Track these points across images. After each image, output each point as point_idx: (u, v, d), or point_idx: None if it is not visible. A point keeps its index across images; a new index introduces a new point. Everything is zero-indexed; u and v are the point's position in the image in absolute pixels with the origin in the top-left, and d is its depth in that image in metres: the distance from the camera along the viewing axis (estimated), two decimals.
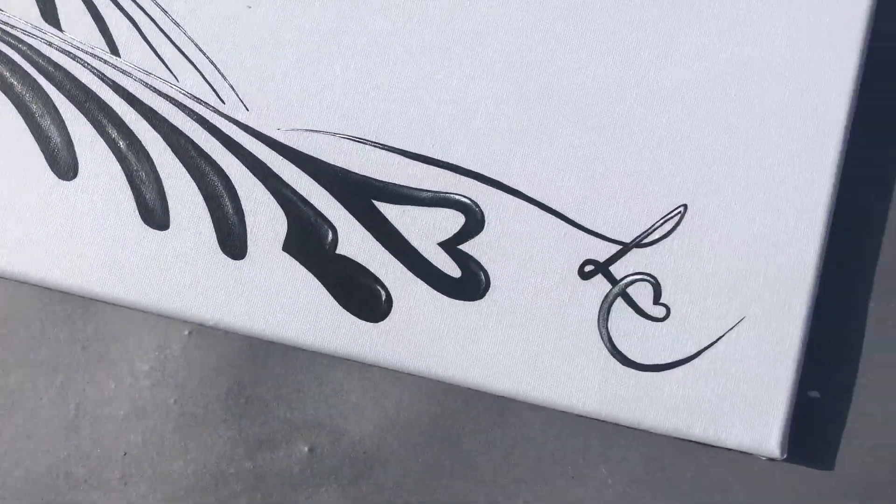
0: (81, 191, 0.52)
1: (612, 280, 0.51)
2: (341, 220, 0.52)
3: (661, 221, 0.51)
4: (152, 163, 0.53)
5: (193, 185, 0.52)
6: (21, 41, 0.53)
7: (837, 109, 0.52)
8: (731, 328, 0.50)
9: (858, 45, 0.52)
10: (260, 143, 0.52)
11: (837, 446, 0.54)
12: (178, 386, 0.57)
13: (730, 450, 0.51)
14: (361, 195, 0.52)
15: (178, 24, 0.53)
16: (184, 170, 0.52)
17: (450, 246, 0.52)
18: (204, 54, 0.53)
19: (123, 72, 0.53)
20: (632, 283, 0.51)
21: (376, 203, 0.52)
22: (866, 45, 0.52)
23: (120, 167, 0.52)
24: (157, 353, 0.57)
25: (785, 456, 0.49)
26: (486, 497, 0.55)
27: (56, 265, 0.51)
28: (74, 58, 0.53)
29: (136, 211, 0.52)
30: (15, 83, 0.53)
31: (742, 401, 0.50)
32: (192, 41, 0.53)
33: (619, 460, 0.56)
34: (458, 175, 0.52)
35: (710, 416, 0.50)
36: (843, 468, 0.55)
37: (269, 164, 0.52)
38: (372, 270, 0.52)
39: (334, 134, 0.52)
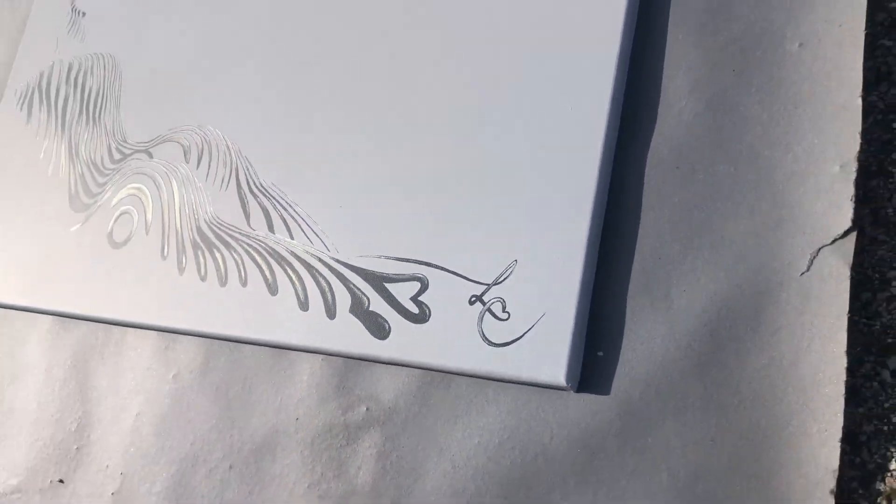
0: (279, 303, 1.28)
1: (483, 303, 1.12)
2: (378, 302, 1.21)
3: (507, 271, 1.12)
4: (303, 281, 1.27)
5: (329, 289, 1.26)
6: (234, 232, 1.33)
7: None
8: (534, 325, 1.08)
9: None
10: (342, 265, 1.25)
11: (613, 376, 1.06)
12: None
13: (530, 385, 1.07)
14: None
15: (296, 212, 1.29)
16: (314, 282, 1.26)
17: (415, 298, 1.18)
18: (312, 229, 1.28)
19: (284, 242, 1.30)
20: (493, 302, 1.12)
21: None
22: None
23: (292, 287, 1.28)
24: None
25: (571, 385, 1.04)
26: None
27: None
28: (260, 239, 1.31)
29: (296, 301, 1.26)
30: (249, 256, 1.33)
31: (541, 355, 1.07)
32: (307, 222, 1.29)
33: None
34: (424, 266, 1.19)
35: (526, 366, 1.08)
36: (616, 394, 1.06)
37: (350, 279, 1.24)
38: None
39: (378, 256, 1.23)
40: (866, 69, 1.04)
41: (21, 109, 1.96)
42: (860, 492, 0.92)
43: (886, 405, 0.93)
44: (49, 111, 1.90)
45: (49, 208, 1.79)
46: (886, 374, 0.95)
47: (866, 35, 1.05)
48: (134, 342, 1.58)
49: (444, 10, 1.38)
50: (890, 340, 0.95)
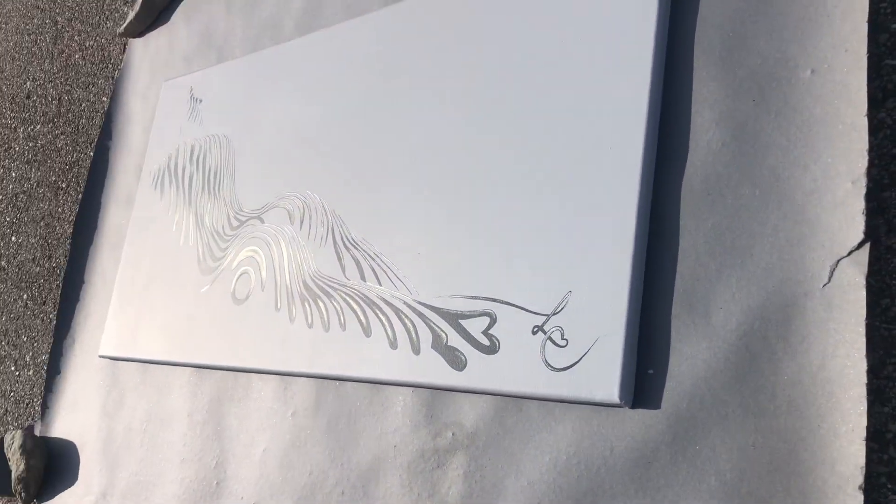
0: (373, 344, 1.46)
1: (544, 332, 1.25)
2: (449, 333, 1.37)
3: (563, 301, 1.24)
4: (391, 323, 1.44)
5: (414, 328, 1.43)
6: (333, 283, 1.52)
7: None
8: (589, 349, 1.20)
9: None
10: (423, 306, 1.41)
11: (662, 391, 1.16)
12: None
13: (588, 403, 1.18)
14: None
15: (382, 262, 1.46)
16: (400, 323, 1.43)
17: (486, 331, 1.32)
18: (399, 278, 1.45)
19: (373, 289, 1.47)
20: (553, 331, 1.25)
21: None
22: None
23: (383, 329, 1.45)
24: None
25: (625, 402, 1.15)
26: None
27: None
28: (354, 288, 1.49)
29: (387, 341, 1.43)
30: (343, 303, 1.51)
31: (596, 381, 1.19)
32: (392, 269, 1.46)
33: None
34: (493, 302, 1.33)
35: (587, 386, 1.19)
36: (667, 406, 1.15)
37: (430, 318, 1.40)
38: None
39: (452, 296, 1.38)
40: (873, 88, 1.10)
41: (155, 189, 2.26)
42: (889, 486, 0.97)
43: None
44: (178, 188, 2.18)
45: (183, 273, 2.06)
46: None
47: (871, 56, 1.12)
48: (258, 385, 1.79)
49: (488, 67, 1.53)
50: None
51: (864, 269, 1.02)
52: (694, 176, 1.22)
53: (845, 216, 1.05)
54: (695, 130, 1.24)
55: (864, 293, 1.01)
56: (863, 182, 1.04)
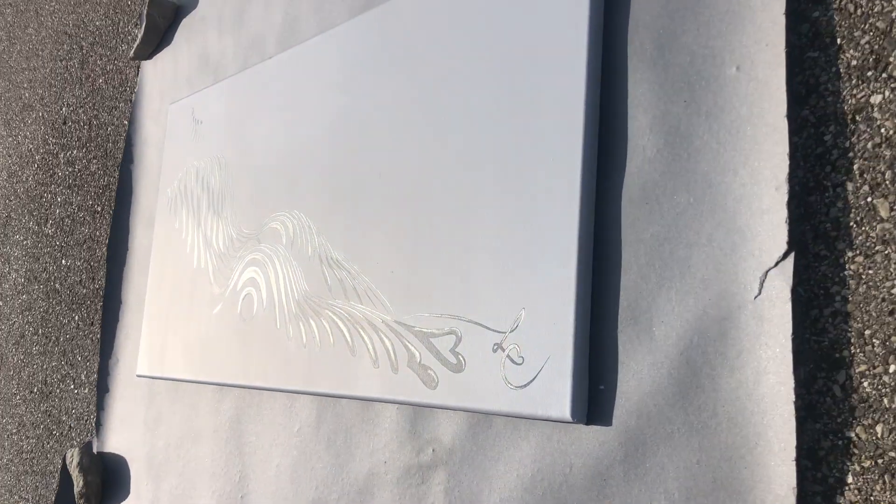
0: (358, 362, 1.48)
1: (503, 349, 1.26)
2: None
3: (518, 319, 1.24)
4: (372, 341, 1.47)
5: (392, 347, 1.45)
6: (321, 302, 1.54)
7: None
8: (542, 366, 1.20)
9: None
10: (398, 325, 1.43)
11: (613, 407, 1.15)
12: None
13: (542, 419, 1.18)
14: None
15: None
16: (380, 341, 1.45)
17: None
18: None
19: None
20: (511, 349, 1.25)
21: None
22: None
23: (365, 347, 1.48)
24: None
25: (578, 419, 1.15)
26: None
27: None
28: (338, 307, 1.52)
29: (370, 360, 1.46)
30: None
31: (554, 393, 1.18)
32: (370, 287, 1.48)
33: None
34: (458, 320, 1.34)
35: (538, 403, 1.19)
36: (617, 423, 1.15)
37: (405, 336, 1.42)
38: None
39: (421, 314, 1.40)
40: (796, 83, 1.04)
41: (170, 212, 2.33)
42: None
43: (839, 420, 0.94)
44: (188, 211, 2.24)
45: (198, 294, 2.13)
46: (837, 389, 0.95)
47: (793, 49, 1.05)
48: (269, 402, 1.86)
49: (434, 86, 1.52)
50: (837, 355, 0.95)
51: (790, 281, 0.97)
52: (633, 185, 1.19)
53: (771, 224, 1.01)
54: (632, 136, 1.20)
55: (788, 307, 0.97)
56: (785, 188, 0.99)
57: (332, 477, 1.63)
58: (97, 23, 3.25)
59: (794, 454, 0.94)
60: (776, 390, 0.98)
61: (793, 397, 0.95)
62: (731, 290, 1.05)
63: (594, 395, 1.19)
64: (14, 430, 3.21)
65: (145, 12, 2.57)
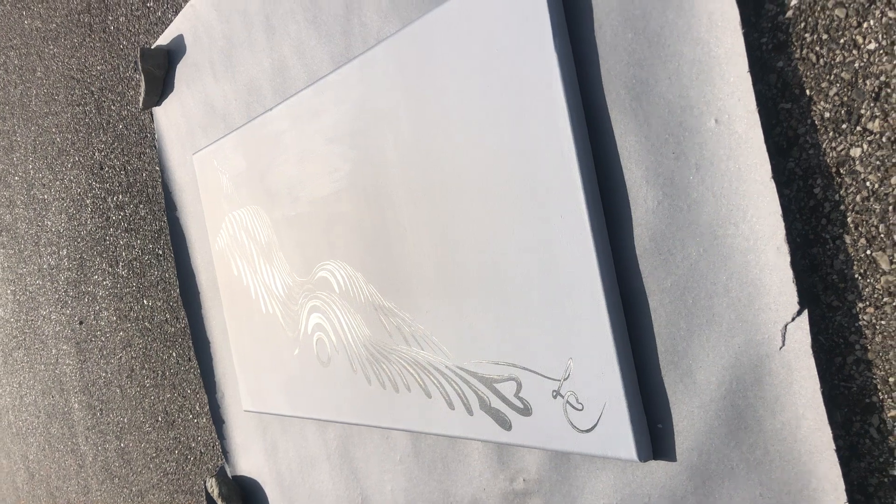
0: (434, 404, 1.59)
1: (562, 396, 1.34)
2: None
3: (568, 368, 1.32)
4: (443, 385, 1.57)
5: (461, 391, 1.55)
6: (385, 348, 1.64)
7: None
8: (602, 411, 1.28)
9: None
10: (462, 370, 1.52)
11: (674, 445, 1.23)
12: None
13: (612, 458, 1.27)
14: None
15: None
16: (449, 384, 1.55)
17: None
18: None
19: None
20: (569, 395, 1.34)
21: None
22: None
23: (438, 391, 1.58)
24: None
25: (644, 457, 1.24)
26: None
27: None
28: (403, 352, 1.62)
29: (444, 402, 1.57)
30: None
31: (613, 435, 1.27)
32: (427, 334, 1.56)
33: None
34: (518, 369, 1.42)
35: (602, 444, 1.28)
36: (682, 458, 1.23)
37: (471, 382, 1.52)
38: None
39: (481, 361, 1.49)
40: (776, 135, 1.03)
41: (226, 260, 2.44)
42: None
43: (881, 459, 0.99)
44: (242, 259, 2.35)
45: (275, 338, 2.27)
46: (874, 431, 0.99)
47: (766, 100, 1.03)
48: (368, 434, 2.01)
49: (438, 158, 1.54)
50: (867, 400, 0.99)
51: (808, 337, 1.01)
52: (642, 236, 1.21)
53: (780, 280, 1.03)
54: (632, 189, 1.21)
55: (812, 361, 1.01)
56: (786, 249, 1.01)
57: (442, 500, 1.78)
58: (98, 67, 3.28)
59: (844, 492, 1.01)
60: (815, 436, 1.04)
61: (833, 445, 1.01)
62: (756, 339, 1.09)
63: (654, 434, 1.27)
64: (154, 455, 3.52)
65: (140, 67, 2.59)
